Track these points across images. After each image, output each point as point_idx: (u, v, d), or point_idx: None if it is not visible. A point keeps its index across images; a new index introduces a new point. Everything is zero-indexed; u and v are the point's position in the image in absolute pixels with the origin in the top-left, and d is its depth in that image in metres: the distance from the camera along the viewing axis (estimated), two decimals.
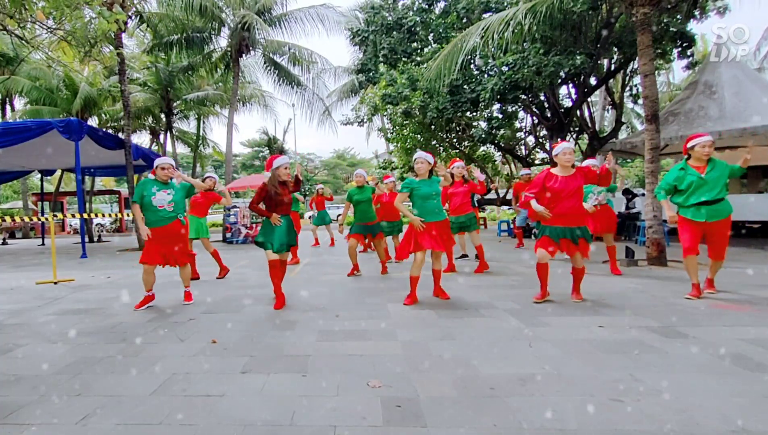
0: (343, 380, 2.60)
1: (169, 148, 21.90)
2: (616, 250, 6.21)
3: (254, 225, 14.00)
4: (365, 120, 18.69)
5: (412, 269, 4.45)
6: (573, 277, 4.49)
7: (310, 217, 14.51)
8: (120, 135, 13.92)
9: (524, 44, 10.60)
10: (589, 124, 13.54)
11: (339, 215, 8.44)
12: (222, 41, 17.09)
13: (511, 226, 13.14)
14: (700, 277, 4.59)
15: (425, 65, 12.52)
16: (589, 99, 14.10)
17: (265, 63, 18.35)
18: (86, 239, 12.39)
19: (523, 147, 16.50)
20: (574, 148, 4.56)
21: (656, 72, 8.56)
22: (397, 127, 15.16)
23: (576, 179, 4.34)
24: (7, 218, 9.12)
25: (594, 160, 6.60)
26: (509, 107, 12.77)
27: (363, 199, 6.42)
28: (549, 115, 13.50)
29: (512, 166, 18.86)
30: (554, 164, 4.51)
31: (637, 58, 8.33)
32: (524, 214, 9.77)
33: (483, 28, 9.26)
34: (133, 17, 13.19)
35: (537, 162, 17.21)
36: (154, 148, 22.58)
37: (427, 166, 4.48)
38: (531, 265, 6.65)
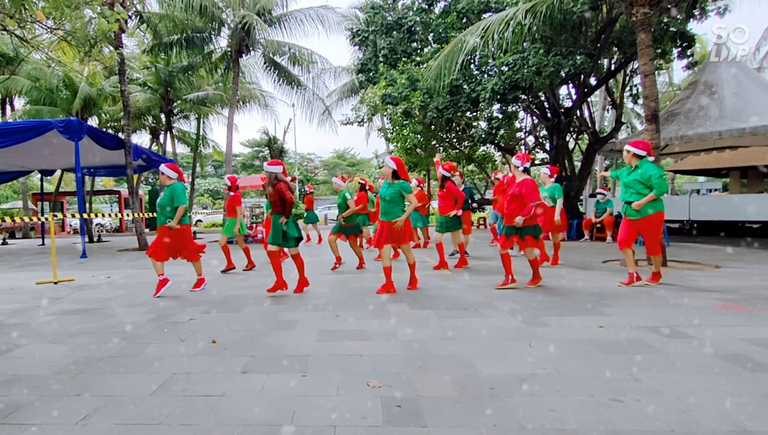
0: (343, 380, 2.60)
1: (169, 148, 21.90)
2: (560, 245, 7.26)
3: (254, 225, 14.00)
4: (365, 120, 18.72)
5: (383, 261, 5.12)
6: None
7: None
8: (120, 135, 13.91)
9: (524, 44, 10.60)
10: (589, 124, 13.54)
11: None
12: (222, 41, 17.07)
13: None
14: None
15: (425, 65, 12.54)
16: (589, 99, 14.10)
17: (265, 63, 18.32)
18: (86, 239, 12.38)
19: (523, 147, 16.50)
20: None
21: (656, 72, 8.56)
22: (397, 127, 15.17)
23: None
24: (7, 218, 9.12)
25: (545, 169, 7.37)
26: (509, 107, 12.77)
27: (339, 203, 7.14)
28: (549, 115, 13.50)
29: (512, 166, 18.85)
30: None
31: (637, 58, 8.33)
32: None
33: (483, 28, 9.26)
34: (133, 17, 13.19)
35: (537, 162, 17.22)
36: (154, 148, 22.57)
37: (387, 169, 5.08)
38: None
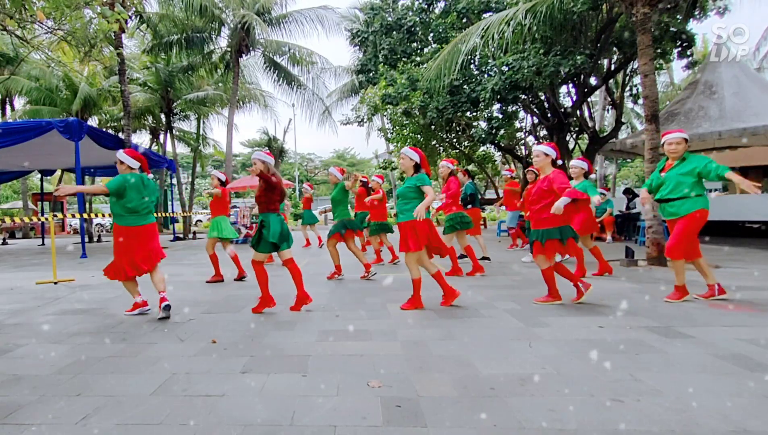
0: (343, 380, 2.60)
1: (169, 148, 21.90)
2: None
3: (254, 225, 14.00)
4: (365, 120, 18.71)
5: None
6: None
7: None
8: (120, 135, 13.91)
9: (524, 44, 10.60)
10: (589, 124, 13.55)
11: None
12: (222, 41, 17.10)
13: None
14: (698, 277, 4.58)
15: (425, 65, 12.53)
16: (589, 99, 14.11)
17: (265, 63, 18.35)
18: (86, 239, 12.38)
19: (523, 147, 16.51)
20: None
21: (656, 72, 8.56)
22: (397, 127, 15.18)
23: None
24: (7, 218, 9.12)
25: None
26: (509, 107, 12.77)
27: (333, 196, 6.40)
28: (549, 115, 13.51)
29: (512, 166, 18.87)
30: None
31: (637, 58, 8.34)
32: (515, 214, 9.63)
33: (483, 28, 9.27)
34: (133, 17, 13.19)
35: None
36: (154, 148, 22.58)
37: (408, 162, 4.31)
38: (530, 264, 6.67)
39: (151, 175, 4.30)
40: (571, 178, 5.91)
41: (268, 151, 4.47)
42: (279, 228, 4.24)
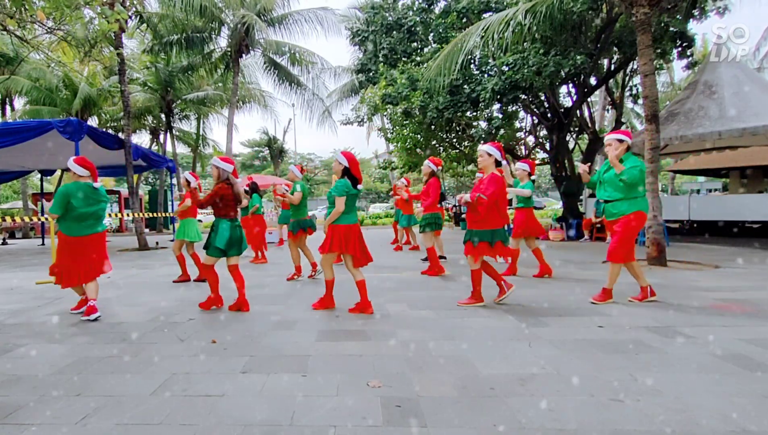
0: (343, 380, 2.60)
1: (169, 147, 21.92)
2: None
3: None
4: (365, 120, 18.71)
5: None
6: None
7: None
8: (120, 135, 13.91)
9: (524, 44, 10.60)
10: (589, 124, 13.55)
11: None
12: (222, 41, 17.09)
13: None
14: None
15: (425, 65, 12.53)
16: (589, 99, 14.11)
17: (264, 63, 18.35)
18: None
19: (523, 147, 16.51)
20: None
21: (656, 72, 8.55)
22: (397, 127, 15.17)
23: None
24: (7, 218, 9.12)
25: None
26: (509, 107, 12.77)
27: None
28: (549, 115, 13.51)
29: (512, 166, 18.86)
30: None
31: (637, 58, 8.33)
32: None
33: (483, 28, 9.27)
34: (133, 17, 13.19)
35: (537, 162, 17.23)
36: (154, 148, 22.58)
37: (338, 166, 4.15)
38: (529, 265, 6.66)
39: (98, 184, 4.31)
40: (516, 180, 6.05)
41: (225, 157, 4.46)
42: (228, 234, 4.24)
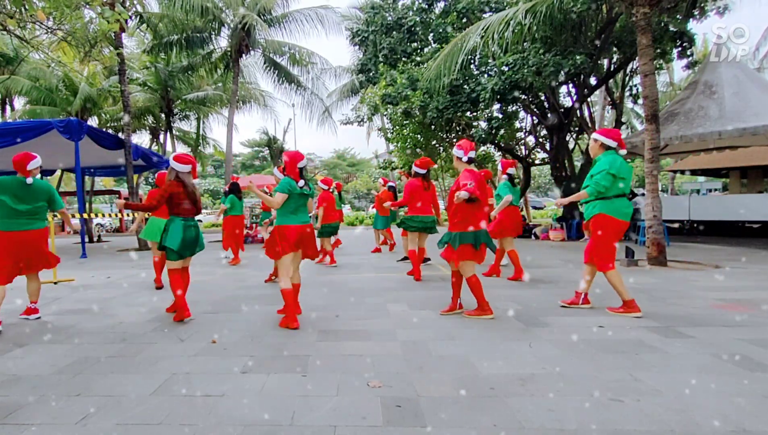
0: (343, 380, 2.60)
1: (169, 147, 21.89)
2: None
3: (254, 225, 14.01)
4: (365, 120, 18.70)
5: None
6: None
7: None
8: (120, 135, 13.91)
9: (524, 44, 10.59)
10: (589, 124, 13.54)
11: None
12: (222, 41, 17.08)
13: None
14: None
15: (425, 65, 12.52)
16: (589, 99, 14.10)
17: (264, 63, 18.34)
18: (86, 239, 12.38)
19: (523, 147, 16.51)
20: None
21: (656, 72, 8.55)
22: (397, 127, 15.16)
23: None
24: None
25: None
26: (509, 107, 12.76)
27: None
28: (549, 115, 13.51)
29: (454, 157, 18.86)
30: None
31: (637, 58, 8.33)
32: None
33: (483, 28, 9.26)
34: (133, 17, 13.19)
35: (537, 162, 17.24)
36: (154, 148, 22.56)
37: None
38: (530, 264, 6.67)
39: (30, 180, 4.00)
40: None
41: (180, 156, 4.15)
42: (180, 234, 3.95)
